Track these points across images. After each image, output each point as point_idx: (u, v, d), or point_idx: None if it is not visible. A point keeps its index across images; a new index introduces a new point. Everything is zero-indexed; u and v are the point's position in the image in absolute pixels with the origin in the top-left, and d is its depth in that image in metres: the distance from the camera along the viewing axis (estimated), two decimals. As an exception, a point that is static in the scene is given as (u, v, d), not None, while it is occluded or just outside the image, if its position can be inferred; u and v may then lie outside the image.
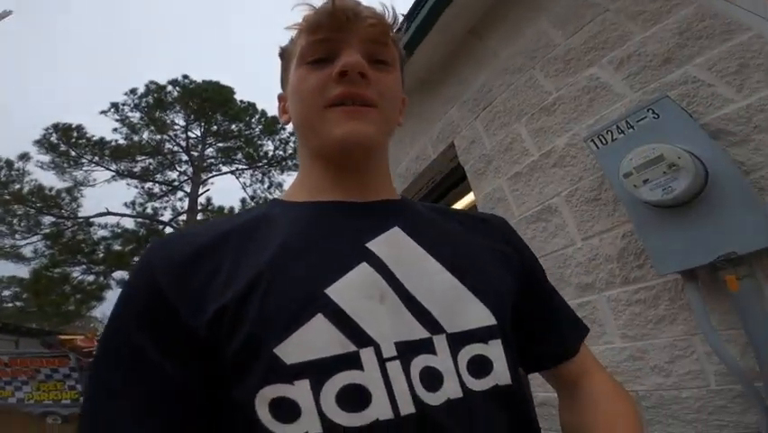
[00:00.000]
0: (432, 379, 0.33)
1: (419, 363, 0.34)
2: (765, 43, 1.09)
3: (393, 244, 0.41)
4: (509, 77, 1.86)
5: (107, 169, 15.27)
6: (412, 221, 0.46)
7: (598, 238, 1.47)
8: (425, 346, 0.35)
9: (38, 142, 13.87)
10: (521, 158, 1.85)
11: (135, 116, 15.55)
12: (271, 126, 16.99)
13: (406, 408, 0.31)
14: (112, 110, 15.26)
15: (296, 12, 0.47)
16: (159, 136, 16.05)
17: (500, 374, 0.37)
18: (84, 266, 14.27)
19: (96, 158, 14.84)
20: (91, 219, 14.73)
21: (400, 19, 0.50)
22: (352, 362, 0.32)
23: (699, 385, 1.11)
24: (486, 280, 0.43)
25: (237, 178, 17.32)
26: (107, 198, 15.17)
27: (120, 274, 16.34)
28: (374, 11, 0.47)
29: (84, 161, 14.68)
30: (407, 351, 0.34)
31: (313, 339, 0.32)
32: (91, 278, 14.82)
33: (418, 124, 2.61)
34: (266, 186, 17.12)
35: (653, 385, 1.21)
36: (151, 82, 15.45)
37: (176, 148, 16.64)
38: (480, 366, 0.36)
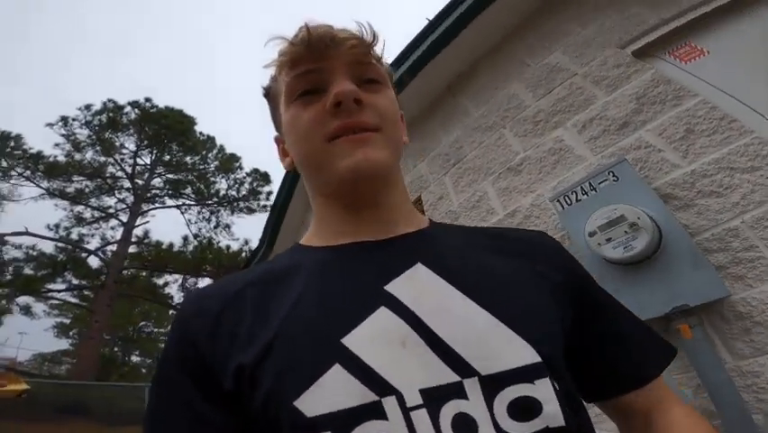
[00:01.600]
0: (464, 427, 0.31)
1: (449, 410, 0.32)
2: (710, 109, 1.25)
3: (415, 283, 0.39)
4: (480, 134, 1.99)
5: (38, 185, 14.44)
6: (437, 253, 0.43)
7: None
8: (456, 392, 0.32)
9: None
10: (487, 216, 1.92)
11: (83, 133, 14.99)
12: (228, 164, 16.81)
13: None
14: (59, 123, 14.70)
15: (271, 48, 0.46)
16: (103, 158, 15.49)
17: (551, 417, 0.33)
18: None
19: (28, 172, 14.10)
20: (5, 237, 13.67)
21: (379, 35, 0.49)
22: (374, 412, 0.31)
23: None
24: (527, 312, 0.38)
25: (183, 213, 16.73)
26: (28, 218, 14.13)
27: (24, 300, 14.74)
28: (351, 32, 0.46)
29: (14, 173, 13.97)
30: (435, 398, 0.32)
31: (331, 390, 0.32)
32: None
33: None
34: (212, 225, 16.66)
35: (612, 428, 1.20)
36: (110, 100, 15.20)
37: (119, 173, 16.04)
38: (525, 409, 0.33)
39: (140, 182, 16.23)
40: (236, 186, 16.92)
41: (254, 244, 17.17)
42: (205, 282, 15.98)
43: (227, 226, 16.75)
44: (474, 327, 0.36)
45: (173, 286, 17.29)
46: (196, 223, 16.72)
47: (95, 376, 13.02)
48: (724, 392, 1.04)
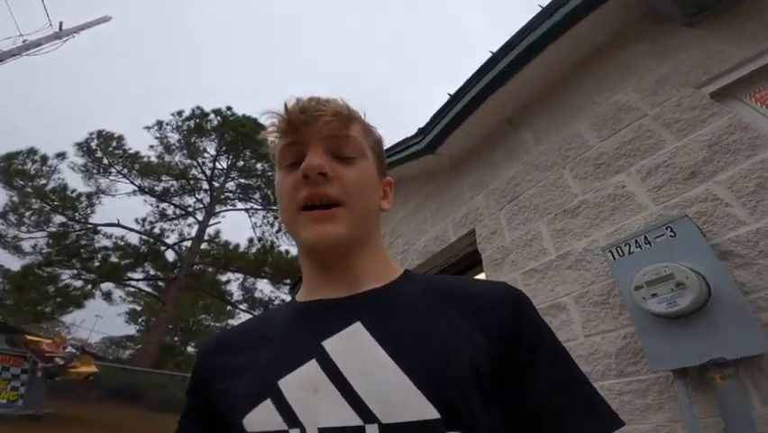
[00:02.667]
0: None
1: None
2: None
3: (348, 340, 0.46)
4: (539, 173, 1.98)
5: (132, 182, 16.31)
6: (381, 313, 0.49)
7: (600, 336, 1.59)
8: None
9: (78, 145, 15.18)
10: (538, 255, 1.90)
11: (173, 137, 16.81)
12: None
13: None
14: (155, 127, 16.64)
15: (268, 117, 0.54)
16: (188, 161, 17.16)
17: None
18: (75, 271, 14.66)
19: (125, 170, 15.97)
20: (99, 227, 15.42)
21: (355, 111, 0.56)
22: None
23: (676, 465, 1.26)
24: (439, 368, 0.42)
25: (250, 216, 18.01)
26: (120, 211, 15.96)
27: (107, 286, 16.49)
28: (332, 107, 0.52)
29: (113, 170, 15.85)
30: None
31: (261, 417, 0.43)
32: (79, 283, 15.15)
33: (443, 205, 2.73)
34: (275, 230, 17.68)
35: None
36: (197, 107, 16.90)
37: (200, 175, 17.65)
38: None
39: (216, 185, 17.76)
40: None
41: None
42: (262, 283, 17.07)
43: (287, 232, 17.78)
44: (386, 381, 0.41)
45: (234, 284, 18.55)
46: (260, 226, 17.87)
47: (153, 362, 14.07)
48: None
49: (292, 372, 0.45)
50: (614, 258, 1.45)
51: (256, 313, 17.87)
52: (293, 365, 0.45)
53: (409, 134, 2.74)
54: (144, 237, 16.43)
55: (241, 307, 18.64)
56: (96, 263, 14.88)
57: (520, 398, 0.44)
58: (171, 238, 17.21)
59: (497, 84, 2.04)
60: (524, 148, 2.12)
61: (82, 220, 15.16)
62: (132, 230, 16.14)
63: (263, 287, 18.52)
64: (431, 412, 0.39)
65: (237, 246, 17.18)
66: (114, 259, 15.35)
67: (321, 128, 0.51)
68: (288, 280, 16.11)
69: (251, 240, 17.38)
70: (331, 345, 0.46)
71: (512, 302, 0.50)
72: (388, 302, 0.50)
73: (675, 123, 1.48)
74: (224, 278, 18.42)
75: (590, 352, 1.62)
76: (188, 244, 16.77)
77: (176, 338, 26.58)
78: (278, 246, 17.23)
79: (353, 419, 0.40)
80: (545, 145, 1.97)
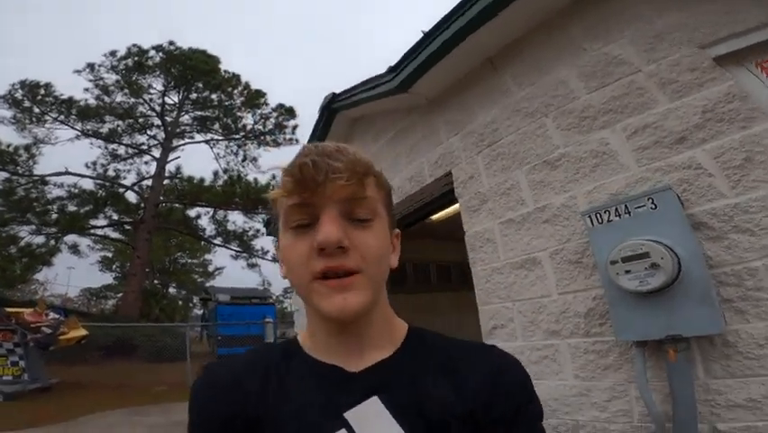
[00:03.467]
0: None
1: None
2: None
3: (367, 413, 0.50)
4: (519, 119, 1.88)
5: (72, 128, 15.32)
6: (393, 386, 0.52)
7: (572, 295, 1.66)
8: None
9: (1, 97, 14.03)
10: (516, 206, 1.89)
11: (111, 78, 15.63)
12: (253, 100, 17.17)
13: None
14: (87, 70, 15.32)
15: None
16: (132, 100, 16.13)
17: None
18: (34, 226, 14.27)
19: (62, 117, 14.97)
20: (47, 178, 14.71)
21: (371, 162, 0.52)
22: None
23: (625, 421, 1.44)
24: None
25: (212, 148, 17.47)
26: (68, 158, 15.12)
27: (72, 238, 16.14)
28: (347, 161, 0.48)
29: (48, 118, 14.85)
30: None
31: None
32: (40, 240, 14.83)
33: (418, 143, 2.63)
34: (240, 158, 17.42)
35: (591, 418, 1.55)
36: (134, 45, 15.62)
37: (149, 112, 16.68)
38: None
39: (169, 120, 16.82)
40: (262, 121, 17.41)
41: (281, 178, 17.86)
42: (234, 215, 17.16)
43: (254, 160, 17.46)
44: None
45: (205, 218, 18.54)
46: (224, 157, 17.52)
47: (138, 311, 14.33)
48: (685, 402, 1.27)
49: None
50: (592, 224, 1.45)
51: (232, 246, 18.01)
52: (324, 431, 0.48)
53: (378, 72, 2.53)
54: (99, 182, 15.80)
55: (215, 241, 18.66)
56: (54, 215, 14.46)
57: None
58: (129, 179, 16.67)
59: (480, 21, 1.83)
60: (504, 90, 1.98)
61: (26, 173, 14.36)
62: (83, 176, 15.38)
63: (236, 218, 18.60)
64: None
65: (202, 180, 16.76)
66: (71, 208, 14.89)
67: (335, 191, 0.47)
68: (261, 210, 16.15)
69: (215, 172, 17.06)
70: (352, 416, 0.49)
71: (507, 378, 0.54)
72: (394, 376, 0.53)
73: (671, 83, 1.38)
74: (192, 213, 18.13)
75: (562, 310, 1.69)
76: (149, 183, 16.19)
77: (156, 282, 26.55)
78: (245, 175, 16.99)
79: None
80: (528, 90, 1.85)
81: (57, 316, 7.13)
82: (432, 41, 2.03)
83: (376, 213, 0.52)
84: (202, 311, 21.68)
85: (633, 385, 1.41)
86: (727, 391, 1.27)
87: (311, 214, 0.48)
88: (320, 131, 3.71)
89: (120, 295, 19.07)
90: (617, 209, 1.37)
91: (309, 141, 3.88)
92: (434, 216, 3.09)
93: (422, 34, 2.09)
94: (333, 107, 3.45)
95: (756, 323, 1.21)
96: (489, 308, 2.03)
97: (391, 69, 2.39)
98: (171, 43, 15.89)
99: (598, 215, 1.42)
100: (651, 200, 1.29)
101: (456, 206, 2.37)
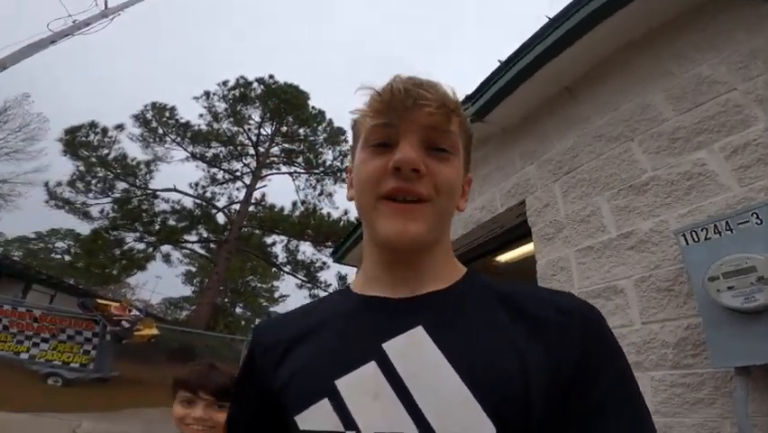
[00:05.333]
0: None
1: None
2: None
3: (408, 345, 0.45)
4: (602, 145, 1.82)
5: (185, 149, 17.36)
6: (443, 318, 0.47)
7: (659, 325, 1.51)
8: None
9: (134, 116, 16.25)
10: (596, 233, 1.79)
11: (221, 106, 17.59)
12: (335, 137, 18.32)
13: None
14: (203, 97, 17.45)
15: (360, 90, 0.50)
16: (235, 128, 17.91)
17: None
18: (138, 234, 15.97)
19: (179, 138, 17.03)
20: (157, 192, 16.58)
21: (459, 104, 0.50)
22: None
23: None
24: (501, 389, 0.40)
25: (294, 180, 18.71)
26: (175, 177, 16.92)
27: (166, 249, 17.93)
28: (437, 94, 0.47)
29: (168, 139, 16.91)
30: None
31: (317, 416, 0.43)
32: (141, 246, 16.52)
33: (491, 173, 2.62)
34: (317, 192, 18.35)
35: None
36: (241, 77, 17.47)
37: (246, 141, 18.40)
38: None
39: (261, 150, 18.43)
40: (341, 157, 18.39)
41: (352, 214, 17.15)
42: (305, 246, 17.98)
43: (330, 195, 18.35)
44: (446, 392, 0.40)
45: (279, 246, 19.37)
46: (303, 189, 18.63)
47: (206, 323, 15.23)
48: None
49: (351, 372, 0.44)
50: (686, 243, 1.32)
51: (299, 275, 18.80)
52: (351, 366, 0.44)
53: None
54: (197, 201, 17.50)
55: (285, 269, 19.49)
56: (157, 227, 16.03)
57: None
58: (221, 201, 18.25)
59: (556, 50, 1.86)
60: (583, 117, 1.94)
61: (142, 186, 16.22)
62: (186, 194, 17.18)
63: (306, 249, 19.48)
64: (487, 427, 0.38)
65: (282, 209, 17.96)
66: (171, 222, 16.49)
67: (421, 117, 0.46)
68: (330, 243, 16.69)
69: (294, 203, 18.11)
70: (391, 347, 0.45)
71: (581, 321, 0.45)
72: (450, 306, 0.48)
73: (768, 100, 1.28)
74: (269, 240, 19.38)
75: (646, 340, 1.54)
76: (237, 207, 17.64)
77: (226, 300, 27.87)
78: (320, 209, 17.90)
79: (410, 428, 0.39)
80: (610, 115, 1.80)
81: (138, 313, 7.66)
82: (509, 70, 2.09)
83: (456, 149, 0.50)
84: None
85: (728, 422, 1.25)
86: None
87: (392, 136, 0.47)
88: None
89: (194, 307, 20.56)
90: (716, 226, 1.25)
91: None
92: (502, 258, 2.94)
93: (498, 63, 2.17)
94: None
95: None
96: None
97: (468, 98, 2.44)
98: (271, 76, 17.58)
99: (693, 233, 1.30)
100: (755, 215, 1.17)
101: (527, 247, 2.29)
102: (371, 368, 0.44)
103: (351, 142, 0.59)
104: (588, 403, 0.40)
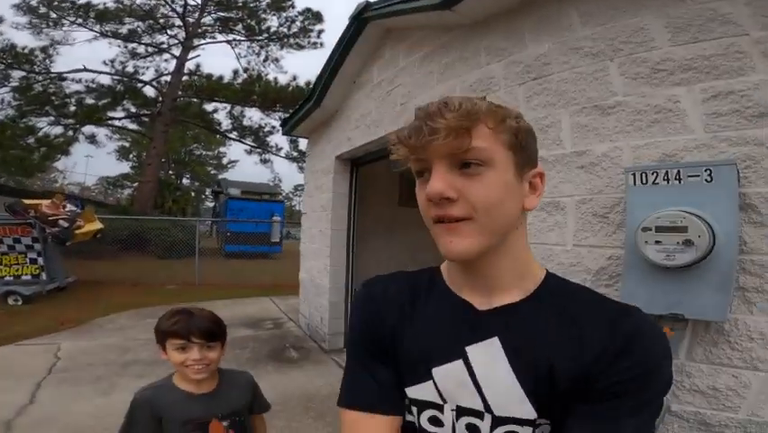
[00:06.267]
0: (472, 429, 0.56)
1: (467, 420, 0.57)
2: None
3: (485, 351, 0.56)
4: (578, 58, 1.68)
5: (90, 30, 15.14)
6: (513, 331, 0.56)
7: (587, 249, 1.63)
8: (476, 415, 0.56)
9: (16, 6, 14.02)
10: (551, 145, 1.78)
11: None
12: (279, 2, 16.34)
13: None
14: None
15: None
16: (153, 1, 15.55)
17: None
18: (52, 118, 14.59)
19: (80, 20, 14.78)
20: (64, 75, 14.87)
21: (483, 107, 0.50)
22: (436, 407, 0.59)
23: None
24: (545, 388, 0.52)
25: (233, 48, 17.09)
26: (87, 59, 15.03)
27: (89, 129, 16.70)
28: (447, 121, 0.48)
29: (65, 22, 14.71)
30: (462, 412, 0.57)
31: (422, 391, 0.59)
32: (58, 130, 15.28)
33: (453, 63, 2.43)
34: (262, 58, 17.13)
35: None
36: None
37: (170, 13, 16.08)
38: None
39: (191, 20, 16.20)
40: (287, 23, 16.77)
41: (301, 80, 16.58)
42: (251, 112, 17.59)
43: (276, 60, 17.27)
44: (504, 387, 0.55)
45: (222, 113, 18.60)
46: (245, 57, 17.30)
47: (154, 200, 14.80)
48: None
49: (444, 365, 0.58)
50: (634, 183, 1.34)
51: (247, 141, 18.36)
52: (444, 359, 0.58)
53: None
54: (117, 77, 15.79)
55: (230, 135, 18.86)
56: (72, 108, 14.71)
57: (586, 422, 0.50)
58: (148, 75, 16.60)
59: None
60: (565, 25, 1.74)
61: (43, 71, 14.47)
62: (101, 72, 15.48)
63: (253, 115, 18.67)
64: (530, 413, 0.53)
65: (221, 78, 16.58)
66: (89, 101, 15.10)
67: (437, 149, 0.50)
68: (279, 107, 16.14)
69: (235, 71, 16.85)
70: (473, 351, 0.57)
71: (628, 339, 0.50)
72: (517, 322, 0.57)
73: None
74: (210, 108, 18.25)
75: (573, 263, 1.65)
76: (168, 79, 16.02)
77: (170, 172, 26.11)
78: (265, 75, 16.74)
79: (479, 407, 0.56)
80: (595, 30, 1.62)
81: (74, 208, 6.69)
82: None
83: (489, 161, 0.50)
84: (213, 204, 21.95)
85: None
86: (697, 376, 1.29)
87: (425, 164, 0.53)
88: (347, 40, 3.42)
89: (136, 184, 19.79)
90: (667, 173, 1.26)
91: (335, 48, 3.64)
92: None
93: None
94: (365, 17, 3.13)
95: (759, 316, 1.19)
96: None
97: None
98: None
99: (643, 174, 1.31)
100: (709, 172, 1.17)
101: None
102: (458, 365, 0.57)
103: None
104: (593, 403, 0.50)
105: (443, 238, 0.52)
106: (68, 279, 6.86)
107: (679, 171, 1.23)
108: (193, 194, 29.09)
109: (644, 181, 1.32)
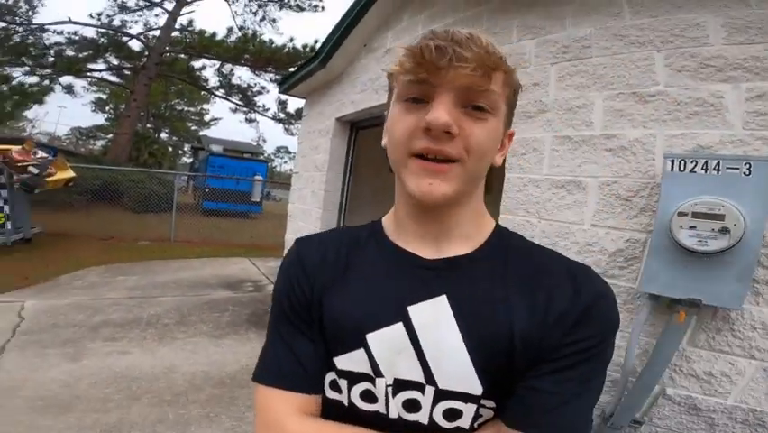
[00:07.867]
0: (410, 406, 0.50)
1: (406, 395, 0.50)
2: None
3: (430, 311, 0.50)
4: (621, 45, 1.70)
5: None
6: (463, 287, 0.51)
7: (605, 230, 1.64)
8: (417, 387, 0.49)
9: None
10: (580, 126, 1.80)
11: None
12: None
13: (391, 413, 0.50)
14: None
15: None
16: None
17: (464, 423, 0.49)
18: (28, 68, 13.87)
19: None
20: (46, 26, 14.10)
21: (502, 55, 0.47)
22: (370, 379, 0.51)
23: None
24: (494, 357, 0.47)
25: (230, 4, 16.20)
26: (77, 13, 13.56)
27: (67, 80, 15.94)
28: (475, 52, 0.43)
29: None
30: (401, 386, 0.50)
31: (352, 361, 0.51)
32: (33, 80, 14.60)
33: (485, 33, 2.40)
34: (259, 18, 16.35)
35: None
36: None
37: None
38: (451, 414, 0.49)
39: None
40: None
41: (298, 42, 15.89)
42: (242, 71, 16.88)
43: (273, 21, 16.66)
44: (450, 355, 0.48)
45: (210, 70, 17.85)
46: (242, 15, 16.82)
47: (129, 153, 14.00)
48: (660, 363, 1.31)
49: (380, 329, 0.50)
50: (671, 169, 1.36)
51: (234, 99, 17.58)
52: (381, 323, 0.50)
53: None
54: (102, 30, 14.87)
55: (217, 93, 18.01)
56: (51, 59, 13.97)
57: (529, 381, 0.48)
58: (135, 29, 15.76)
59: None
60: (613, 13, 1.74)
61: (24, 22, 13.87)
62: (86, 25, 14.54)
63: (242, 74, 17.98)
64: (476, 388, 0.48)
65: (214, 34, 15.64)
66: (70, 53, 14.32)
67: (457, 78, 0.44)
68: (271, 68, 15.48)
69: (230, 29, 15.98)
70: (416, 312, 0.50)
71: (587, 303, 0.49)
72: (469, 277, 0.52)
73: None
74: (197, 64, 17.25)
75: (589, 242, 1.66)
76: (157, 33, 15.17)
77: (149, 125, 24.43)
78: (261, 35, 15.88)
79: (419, 378, 0.49)
80: (645, 21, 1.64)
81: (45, 155, 6.22)
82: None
83: (495, 108, 0.48)
84: (192, 160, 20.69)
85: (619, 334, 1.51)
86: (696, 361, 1.32)
87: (427, 92, 0.46)
88: (364, 1, 3.26)
89: (110, 136, 18.84)
90: (706, 163, 1.29)
91: (352, 6, 3.44)
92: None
93: None
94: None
95: (765, 307, 1.23)
96: (510, 218, 1.94)
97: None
98: None
99: (682, 162, 1.35)
100: (748, 165, 1.20)
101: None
102: (397, 329, 0.50)
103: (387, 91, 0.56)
104: (542, 363, 0.48)
105: (422, 179, 0.47)
106: (34, 230, 6.40)
107: (718, 163, 1.26)
108: (171, 149, 27.81)
109: (682, 169, 1.34)
